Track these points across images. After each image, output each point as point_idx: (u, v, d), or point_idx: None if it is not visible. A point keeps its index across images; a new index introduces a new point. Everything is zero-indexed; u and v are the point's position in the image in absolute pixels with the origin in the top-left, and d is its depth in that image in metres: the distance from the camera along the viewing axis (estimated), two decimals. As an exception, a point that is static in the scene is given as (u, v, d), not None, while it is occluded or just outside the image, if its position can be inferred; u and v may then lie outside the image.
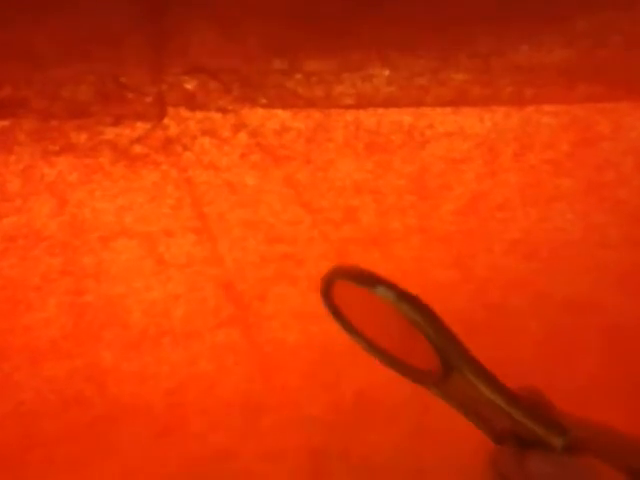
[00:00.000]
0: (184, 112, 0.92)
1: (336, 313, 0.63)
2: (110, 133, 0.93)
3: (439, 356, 0.57)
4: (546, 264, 1.01)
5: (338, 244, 1.01)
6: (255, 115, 0.94)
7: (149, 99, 0.89)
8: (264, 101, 0.92)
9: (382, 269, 1.03)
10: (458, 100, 0.92)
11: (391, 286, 0.56)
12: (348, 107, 0.94)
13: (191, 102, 0.91)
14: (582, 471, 0.56)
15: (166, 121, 0.92)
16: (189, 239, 1.01)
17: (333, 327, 1.07)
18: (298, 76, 0.88)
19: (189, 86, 0.89)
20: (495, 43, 0.85)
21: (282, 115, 0.94)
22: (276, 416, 1.12)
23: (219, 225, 1.00)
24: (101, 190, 0.97)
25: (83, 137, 0.93)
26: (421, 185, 0.98)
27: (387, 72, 0.89)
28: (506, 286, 1.02)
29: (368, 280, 0.57)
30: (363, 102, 0.93)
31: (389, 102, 0.93)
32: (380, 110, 0.94)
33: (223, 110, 0.93)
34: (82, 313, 1.02)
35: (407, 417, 1.09)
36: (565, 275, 1.01)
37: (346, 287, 0.59)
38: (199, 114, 0.93)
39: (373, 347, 0.64)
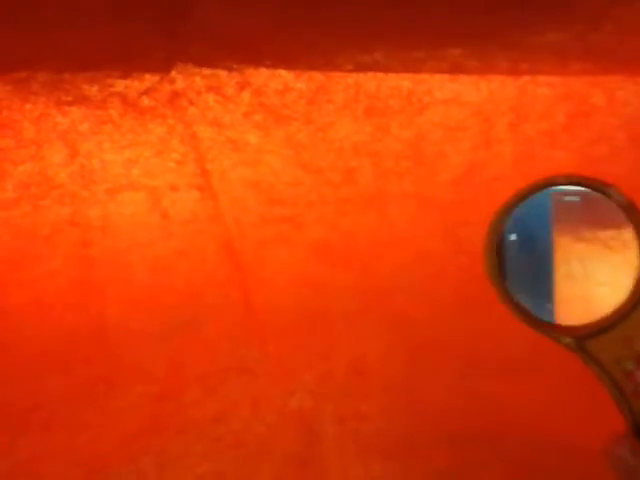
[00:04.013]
0: (191, 67, 0.96)
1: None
2: (120, 85, 0.97)
3: None
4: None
5: (336, 205, 1.03)
6: (259, 75, 0.97)
7: (158, 55, 0.94)
8: (268, 62, 0.96)
9: (377, 231, 1.06)
10: (455, 70, 0.95)
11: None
12: (349, 71, 0.97)
13: (198, 59, 0.95)
14: None
15: (173, 74, 0.96)
16: (192, 195, 1.04)
17: (329, 293, 1.10)
18: (300, 47, 0.92)
19: (197, 46, 0.93)
20: (490, 25, 0.87)
21: (285, 76, 0.98)
22: (270, 383, 1.13)
23: (221, 183, 1.03)
24: (110, 142, 1.01)
25: (94, 89, 0.98)
26: (418, 151, 1.00)
27: (386, 49, 0.92)
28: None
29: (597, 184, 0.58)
30: (363, 68, 0.96)
31: (388, 69, 0.96)
32: (379, 75, 0.97)
33: (229, 68, 0.97)
34: (88, 266, 1.06)
35: (399, 389, 1.10)
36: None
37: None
38: (205, 70, 0.97)
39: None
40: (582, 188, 0.59)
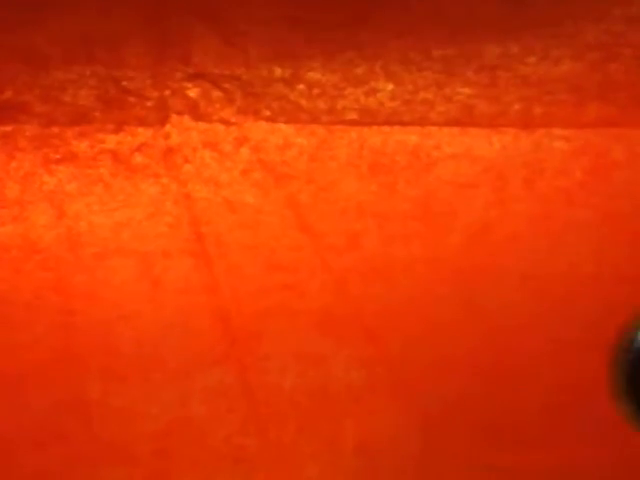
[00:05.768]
0: (187, 121, 0.92)
1: None
2: (111, 141, 0.93)
3: None
4: (558, 301, 0.95)
5: (339, 274, 0.97)
6: (258, 129, 0.93)
7: (151, 104, 0.90)
8: (267, 113, 0.92)
9: (384, 300, 0.98)
10: (464, 118, 0.91)
11: None
12: (352, 124, 0.93)
13: (194, 111, 0.92)
14: None
15: (168, 128, 0.92)
16: (186, 262, 0.98)
17: (333, 369, 1.02)
18: (300, 87, 0.88)
19: (192, 94, 0.90)
20: (502, 55, 0.84)
21: (285, 130, 0.94)
22: (271, 475, 1.04)
23: (217, 248, 0.97)
24: (99, 203, 0.96)
25: (84, 145, 0.93)
26: (426, 211, 0.95)
27: (391, 86, 0.88)
28: (516, 326, 0.96)
29: None
30: (367, 118, 0.92)
31: (394, 119, 0.92)
32: (385, 128, 0.93)
33: (226, 122, 0.93)
34: (71, 336, 0.99)
35: (413, 472, 1.01)
36: (579, 314, 0.95)
37: None
38: (202, 125, 0.93)
39: None
40: None
